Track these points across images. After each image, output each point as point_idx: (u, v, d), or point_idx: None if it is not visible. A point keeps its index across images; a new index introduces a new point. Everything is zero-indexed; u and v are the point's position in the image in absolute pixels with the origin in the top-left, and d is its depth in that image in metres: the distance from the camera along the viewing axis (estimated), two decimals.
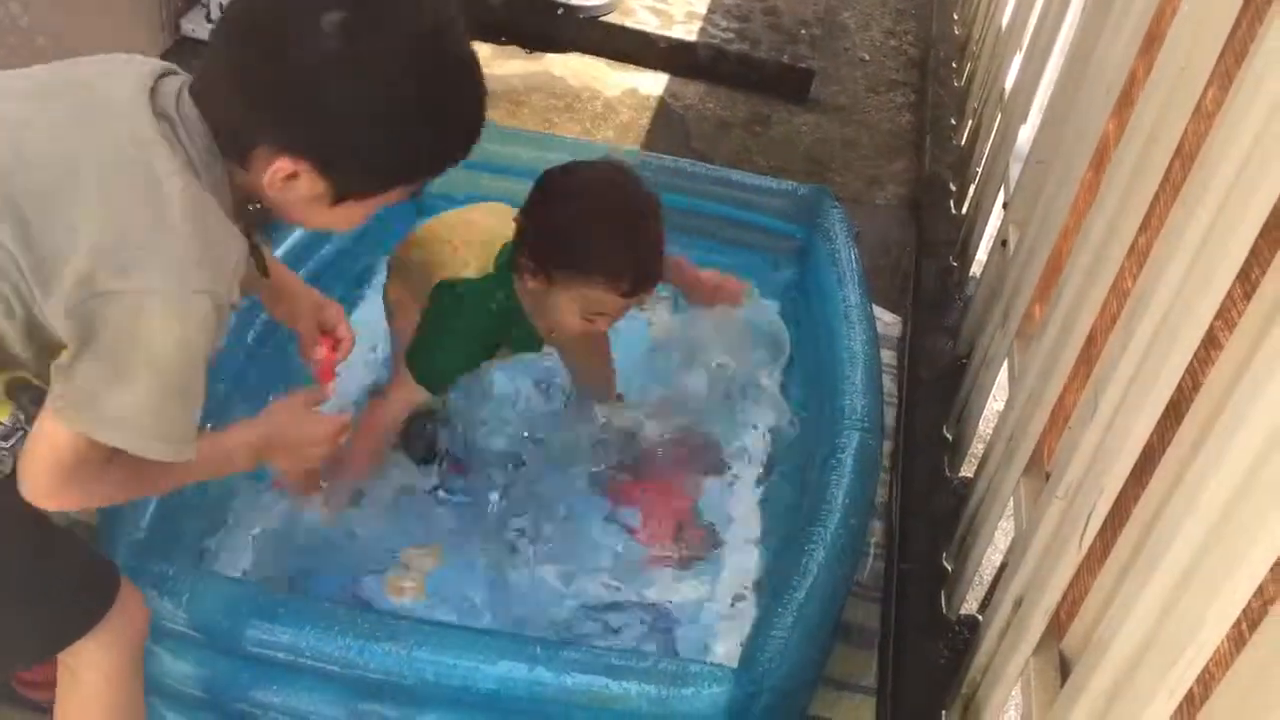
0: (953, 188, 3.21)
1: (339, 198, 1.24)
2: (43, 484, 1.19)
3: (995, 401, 2.22)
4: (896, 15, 4.41)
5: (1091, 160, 1.88)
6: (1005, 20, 3.12)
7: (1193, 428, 1.24)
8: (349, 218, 1.30)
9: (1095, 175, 1.86)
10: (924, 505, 2.22)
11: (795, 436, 2.21)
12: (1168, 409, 1.31)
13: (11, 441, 1.23)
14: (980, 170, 2.95)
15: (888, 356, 2.54)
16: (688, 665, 1.57)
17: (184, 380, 1.17)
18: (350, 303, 2.40)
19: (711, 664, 1.61)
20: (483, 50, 3.61)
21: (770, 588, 1.87)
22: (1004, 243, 2.40)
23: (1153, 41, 1.69)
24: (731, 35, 3.86)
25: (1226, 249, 1.17)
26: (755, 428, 2.26)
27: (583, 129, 3.38)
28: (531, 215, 1.83)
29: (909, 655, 1.95)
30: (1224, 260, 1.17)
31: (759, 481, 2.18)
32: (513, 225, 1.86)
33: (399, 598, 1.87)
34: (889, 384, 2.43)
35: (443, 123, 1.26)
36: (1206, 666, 1.08)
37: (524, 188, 1.86)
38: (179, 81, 1.22)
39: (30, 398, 1.22)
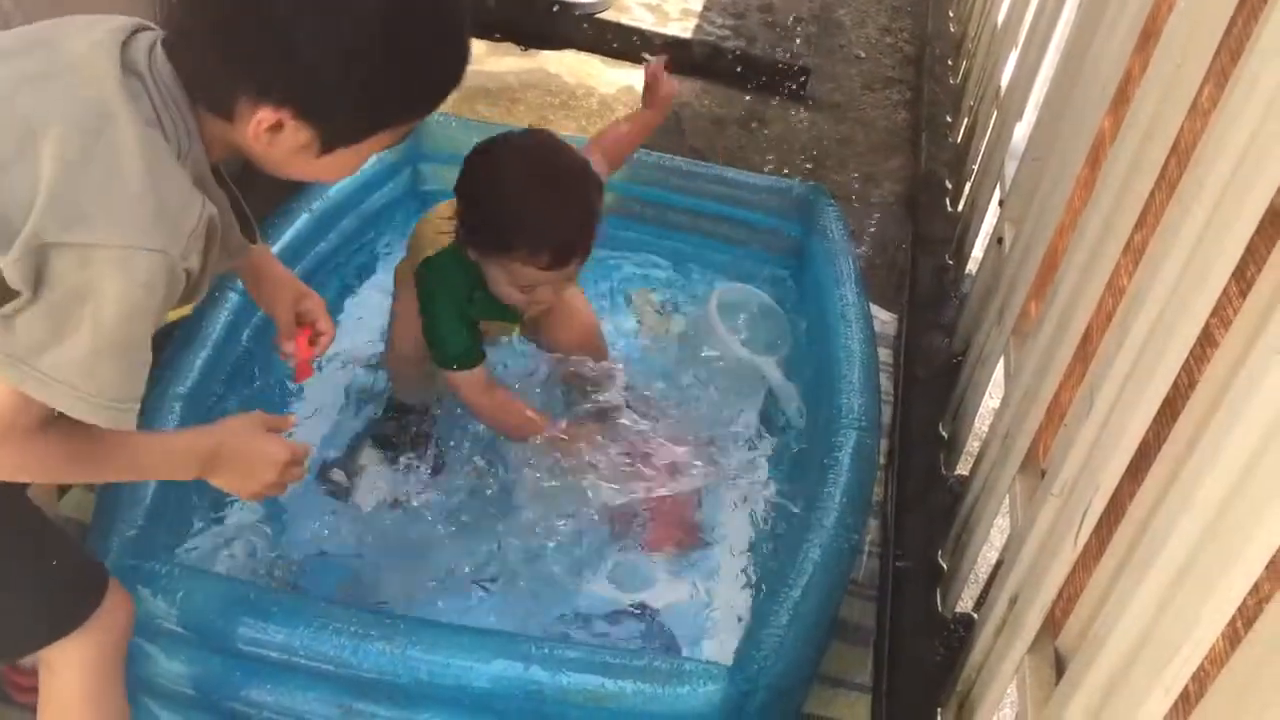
0: (949, 185, 3.20)
1: (325, 147, 1.22)
2: None
3: (991, 399, 2.22)
4: (892, 12, 4.41)
5: (1087, 157, 1.88)
6: (1001, 17, 3.12)
7: (1188, 425, 1.24)
8: (338, 167, 1.28)
9: (1091, 173, 1.86)
10: (920, 503, 2.22)
11: (792, 435, 2.21)
12: (1163, 406, 1.31)
13: None
14: (976, 168, 2.95)
15: (883, 354, 2.54)
16: (683, 663, 1.57)
17: (125, 340, 1.13)
18: (347, 298, 2.41)
19: (707, 662, 1.61)
20: (478, 47, 3.60)
21: (766, 585, 1.87)
22: (1000, 240, 2.40)
23: (1148, 38, 1.69)
24: (727, 32, 3.86)
25: (1222, 246, 1.16)
26: (754, 424, 2.26)
27: (578, 126, 3.38)
28: (459, 190, 1.86)
29: (904, 653, 1.95)
30: (1220, 257, 1.17)
31: (755, 478, 2.17)
32: None
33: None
34: (885, 382, 2.42)
35: (422, 61, 1.23)
36: (1202, 664, 1.08)
37: None
38: (152, 37, 1.20)
39: None
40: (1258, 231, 1.14)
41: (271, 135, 1.19)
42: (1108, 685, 1.22)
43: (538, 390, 2.16)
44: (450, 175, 2.55)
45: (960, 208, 3.04)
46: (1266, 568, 1.00)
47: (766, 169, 3.21)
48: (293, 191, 2.33)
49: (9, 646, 1.40)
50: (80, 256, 1.09)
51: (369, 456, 2.08)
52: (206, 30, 1.18)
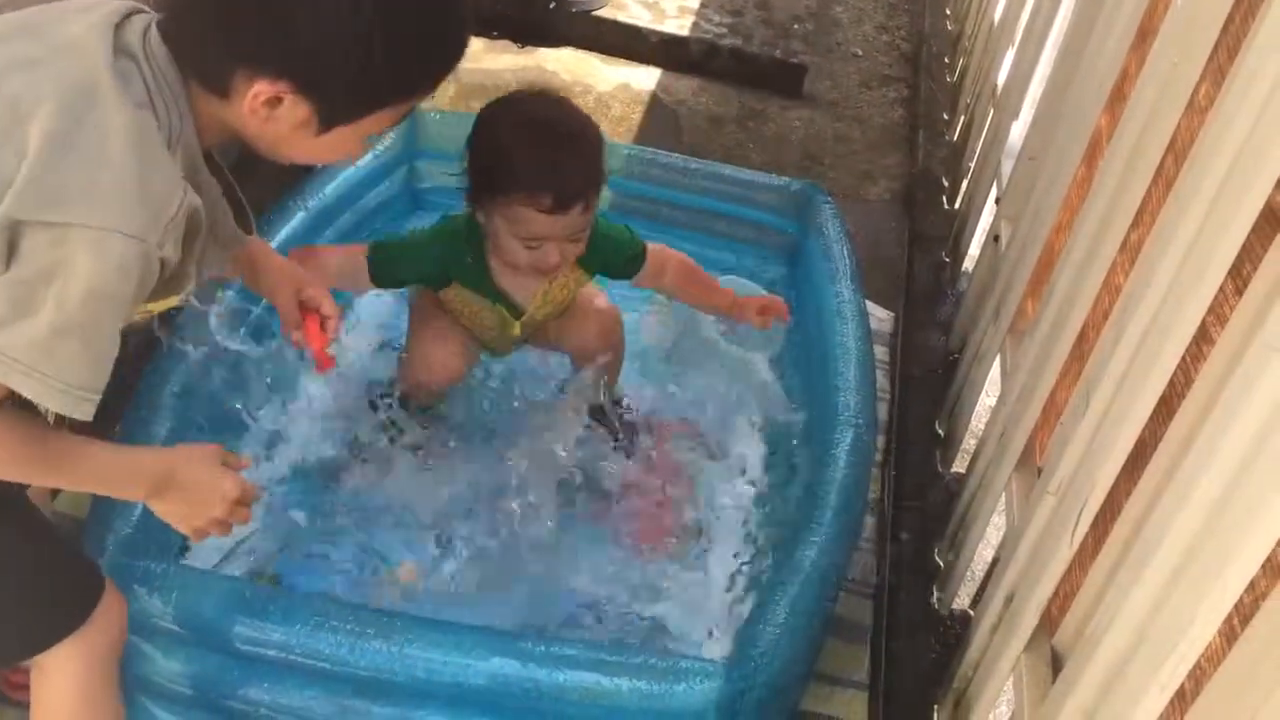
0: (945, 183, 3.21)
1: (324, 124, 1.21)
2: None
3: (987, 397, 2.23)
4: (889, 10, 4.41)
5: (1084, 155, 1.88)
6: (998, 15, 3.12)
7: (1184, 423, 1.24)
8: (337, 147, 1.26)
9: (1087, 171, 1.86)
10: (916, 501, 2.22)
11: (789, 432, 2.21)
12: (1159, 404, 1.31)
13: None
14: (973, 165, 2.95)
15: (880, 352, 2.54)
16: (679, 661, 1.57)
17: (89, 322, 1.09)
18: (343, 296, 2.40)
19: (703, 659, 1.61)
20: (475, 45, 3.59)
21: (762, 583, 1.87)
22: (996, 238, 2.40)
23: (1145, 37, 1.69)
24: (724, 30, 3.86)
25: (1218, 244, 1.17)
26: (751, 422, 2.26)
27: None
28: (467, 149, 1.86)
29: (901, 650, 1.95)
30: (1216, 255, 1.17)
31: (752, 477, 2.17)
32: None
33: (403, 581, 1.87)
34: (881, 379, 2.43)
35: (422, 36, 1.21)
36: (1198, 662, 1.08)
37: None
38: (147, 19, 1.19)
39: None
40: (1254, 230, 1.14)
41: (269, 111, 1.17)
42: (1104, 683, 1.22)
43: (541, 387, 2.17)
44: (446, 173, 2.58)
45: (957, 205, 3.04)
46: (1263, 565, 1.00)
47: (763, 167, 3.20)
48: (291, 184, 2.33)
49: (2, 655, 1.39)
50: (55, 236, 1.07)
51: (367, 452, 2.07)
52: (203, 3, 1.16)
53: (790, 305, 2.20)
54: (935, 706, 1.85)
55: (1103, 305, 1.63)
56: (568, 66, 3.65)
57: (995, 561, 1.87)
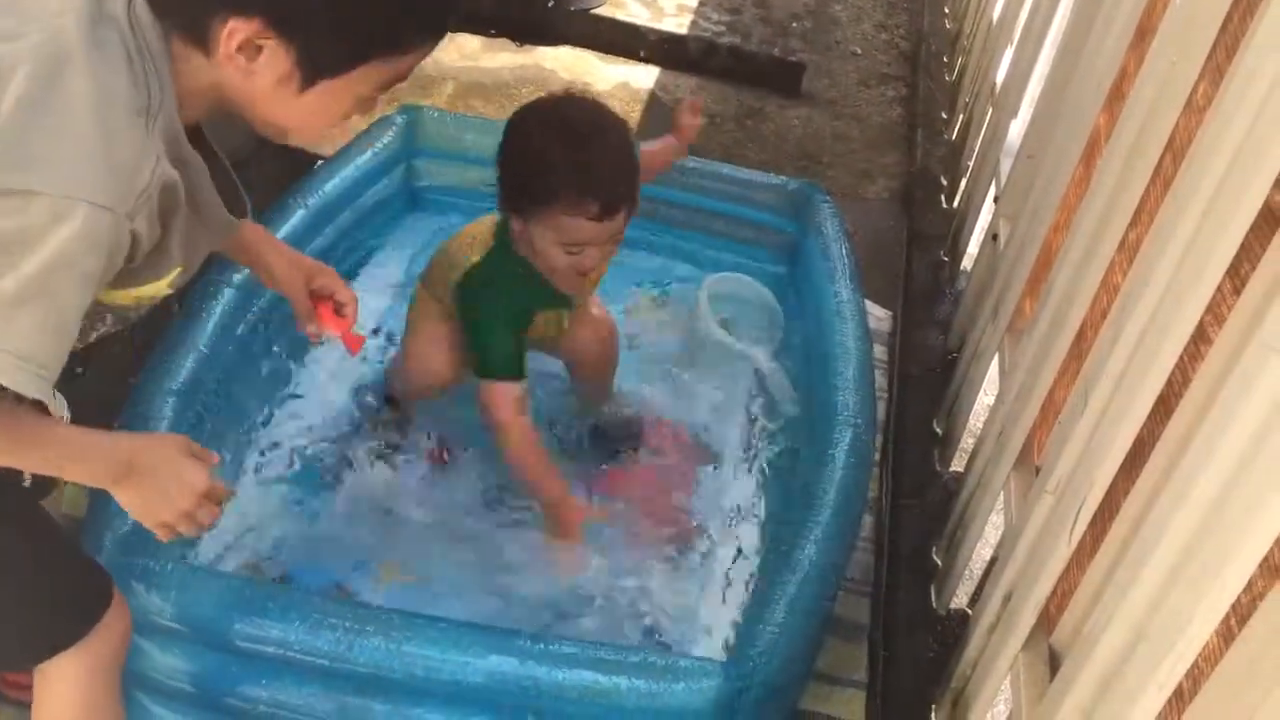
0: (944, 182, 3.21)
1: (307, 78, 1.15)
2: None
3: (986, 396, 2.23)
4: (888, 9, 4.41)
5: (1082, 154, 1.88)
6: (996, 14, 3.12)
7: (1183, 422, 1.24)
8: (325, 108, 1.20)
9: (1086, 170, 1.86)
10: (914, 500, 2.22)
11: (787, 431, 2.21)
12: (1158, 404, 1.31)
13: None
14: (971, 164, 2.95)
15: (878, 351, 2.54)
16: (678, 659, 1.57)
17: (49, 291, 1.05)
18: None
19: (702, 658, 1.61)
20: (472, 43, 3.61)
21: (761, 582, 1.87)
22: (995, 237, 2.40)
23: (1144, 36, 1.69)
24: (722, 28, 3.85)
25: (1217, 243, 1.17)
26: (749, 421, 2.26)
27: None
28: (500, 162, 1.83)
29: (899, 649, 1.95)
30: (1214, 254, 1.17)
31: (749, 475, 2.17)
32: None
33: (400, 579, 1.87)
34: (879, 378, 2.43)
35: None
36: (1196, 661, 1.08)
37: None
38: None
39: None
40: (1252, 229, 1.14)
41: (249, 62, 1.13)
42: (1102, 682, 1.23)
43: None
44: (444, 171, 2.58)
45: (955, 204, 3.04)
46: (1260, 565, 1.00)
47: (762, 165, 3.20)
48: (292, 177, 2.33)
49: (6, 660, 1.38)
50: (17, 203, 1.03)
51: (362, 450, 2.07)
52: None
53: (789, 305, 2.21)
54: (933, 705, 1.85)
55: (1101, 304, 1.63)
56: (566, 65, 3.65)
57: (993, 560, 1.87)
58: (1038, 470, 1.69)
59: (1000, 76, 2.85)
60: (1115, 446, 1.36)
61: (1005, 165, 2.50)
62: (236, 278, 2.00)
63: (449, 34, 1.27)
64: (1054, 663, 1.52)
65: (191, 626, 1.53)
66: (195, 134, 1.22)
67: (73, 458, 1.21)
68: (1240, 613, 1.05)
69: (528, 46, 3.68)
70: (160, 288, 1.23)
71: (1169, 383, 1.29)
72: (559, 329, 2.03)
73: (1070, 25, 2.19)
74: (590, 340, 2.13)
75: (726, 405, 2.28)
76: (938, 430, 2.38)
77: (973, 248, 2.73)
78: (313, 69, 1.15)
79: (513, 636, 1.57)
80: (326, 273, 1.63)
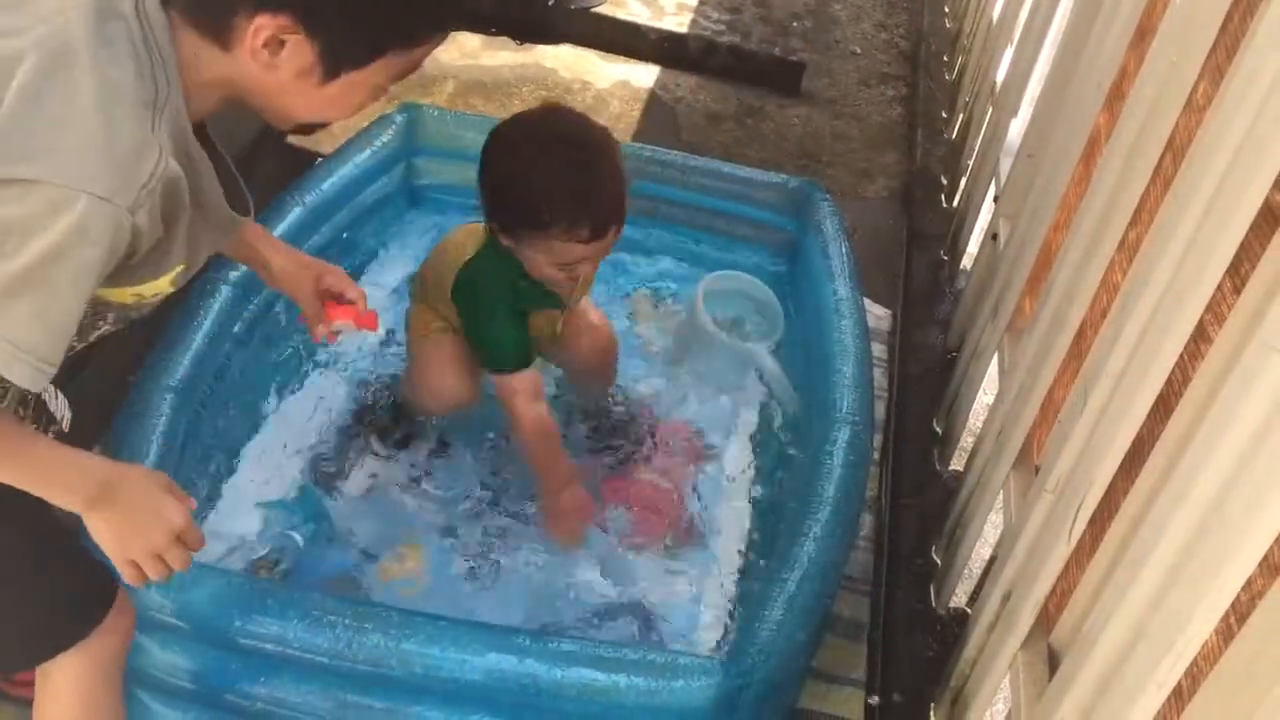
0: (943, 181, 3.21)
1: (329, 71, 1.17)
2: None
3: (985, 395, 2.23)
4: (888, 8, 4.41)
5: (1082, 154, 1.88)
6: (996, 14, 3.12)
7: (1182, 421, 1.24)
8: (342, 100, 1.22)
9: (1086, 169, 1.86)
10: (914, 499, 2.22)
11: (786, 430, 2.21)
12: (1157, 403, 1.31)
13: None
14: (971, 163, 2.95)
15: (878, 350, 2.54)
16: (677, 657, 1.57)
17: (47, 282, 1.04)
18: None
19: (701, 656, 1.61)
20: (473, 41, 3.61)
21: (760, 580, 1.87)
22: (994, 236, 2.40)
23: (1144, 35, 1.69)
24: (722, 27, 3.85)
25: (1217, 243, 1.17)
26: (748, 420, 2.26)
27: None
28: (483, 178, 1.82)
29: (898, 648, 1.96)
30: (1214, 254, 1.17)
31: (748, 474, 2.18)
32: None
33: (397, 572, 1.87)
34: (879, 377, 2.43)
35: None
36: (1195, 660, 1.09)
37: None
38: None
39: None
40: (1252, 228, 1.14)
41: (271, 56, 1.14)
42: (1101, 681, 1.23)
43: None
44: (444, 169, 2.58)
45: (955, 203, 3.04)
46: (1260, 563, 1.00)
47: (762, 164, 3.20)
48: (291, 175, 2.33)
49: (8, 661, 1.38)
50: (17, 192, 1.03)
51: (362, 450, 2.07)
52: None
53: (788, 303, 2.20)
54: (932, 704, 1.85)
55: (1101, 303, 1.63)
56: (566, 64, 3.65)
57: (993, 559, 1.87)
58: (1037, 469, 1.69)
59: (1000, 76, 2.85)
60: (1115, 446, 1.36)
61: (1005, 164, 2.50)
62: (234, 275, 2.00)
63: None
64: (1053, 662, 1.53)
65: (192, 623, 1.53)
66: (199, 131, 1.22)
67: (49, 471, 1.18)
68: (1239, 611, 1.05)
69: (528, 45, 3.68)
70: (162, 286, 1.23)
71: (1169, 382, 1.29)
72: (553, 330, 2.03)
73: (1070, 25, 2.19)
74: (589, 349, 2.13)
75: (726, 404, 2.28)
76: (937, 429, 2.38)
77: (972, 247, 2.73)
78: (335, 62, 1.17)
79: (512, 634, 1.57)
80: (334, 272, 1.64)
